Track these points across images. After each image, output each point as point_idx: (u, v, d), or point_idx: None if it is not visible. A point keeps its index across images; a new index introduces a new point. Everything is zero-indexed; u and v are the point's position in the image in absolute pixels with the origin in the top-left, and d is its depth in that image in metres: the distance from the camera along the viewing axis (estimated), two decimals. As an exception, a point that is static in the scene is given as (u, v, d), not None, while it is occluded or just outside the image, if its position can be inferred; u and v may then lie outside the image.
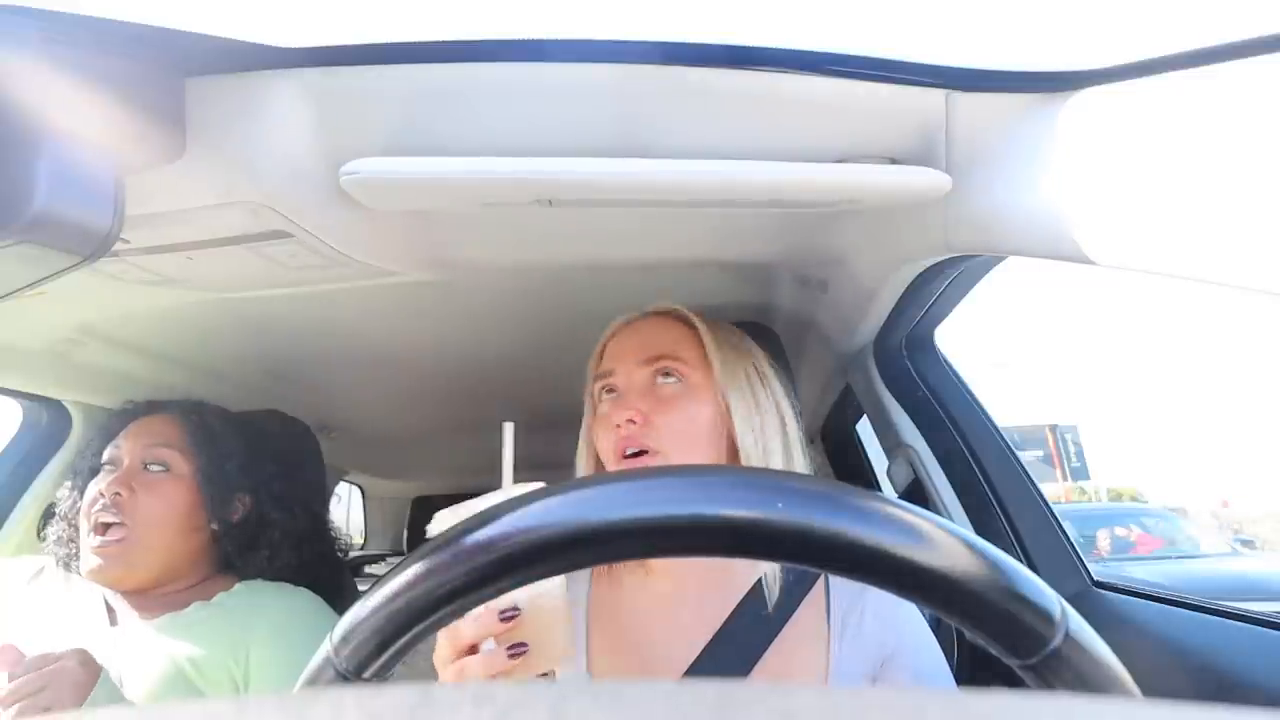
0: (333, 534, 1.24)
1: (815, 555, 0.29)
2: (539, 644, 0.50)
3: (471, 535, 0.31)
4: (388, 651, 0.32)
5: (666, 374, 0.74)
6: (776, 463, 0.73)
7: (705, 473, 0.32)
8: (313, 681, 0.33)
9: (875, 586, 0.30)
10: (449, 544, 0.31)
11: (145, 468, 0.95)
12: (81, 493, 0.95)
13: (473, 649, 0.51)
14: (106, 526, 0.90)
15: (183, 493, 0.95)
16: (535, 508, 0.31)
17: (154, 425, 0.99)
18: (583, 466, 0.78)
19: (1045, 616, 0.29)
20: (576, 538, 0.30)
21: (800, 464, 0.75)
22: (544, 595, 0.51)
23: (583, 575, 0.55)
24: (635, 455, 0.70)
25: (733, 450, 0.74)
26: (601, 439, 0.74)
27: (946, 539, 0.29)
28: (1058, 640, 0.29)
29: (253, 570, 1.01)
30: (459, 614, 0.32)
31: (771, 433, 0.74)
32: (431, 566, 0.31)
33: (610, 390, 0.77)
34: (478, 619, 0.50)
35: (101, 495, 0.91)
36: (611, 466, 0.72)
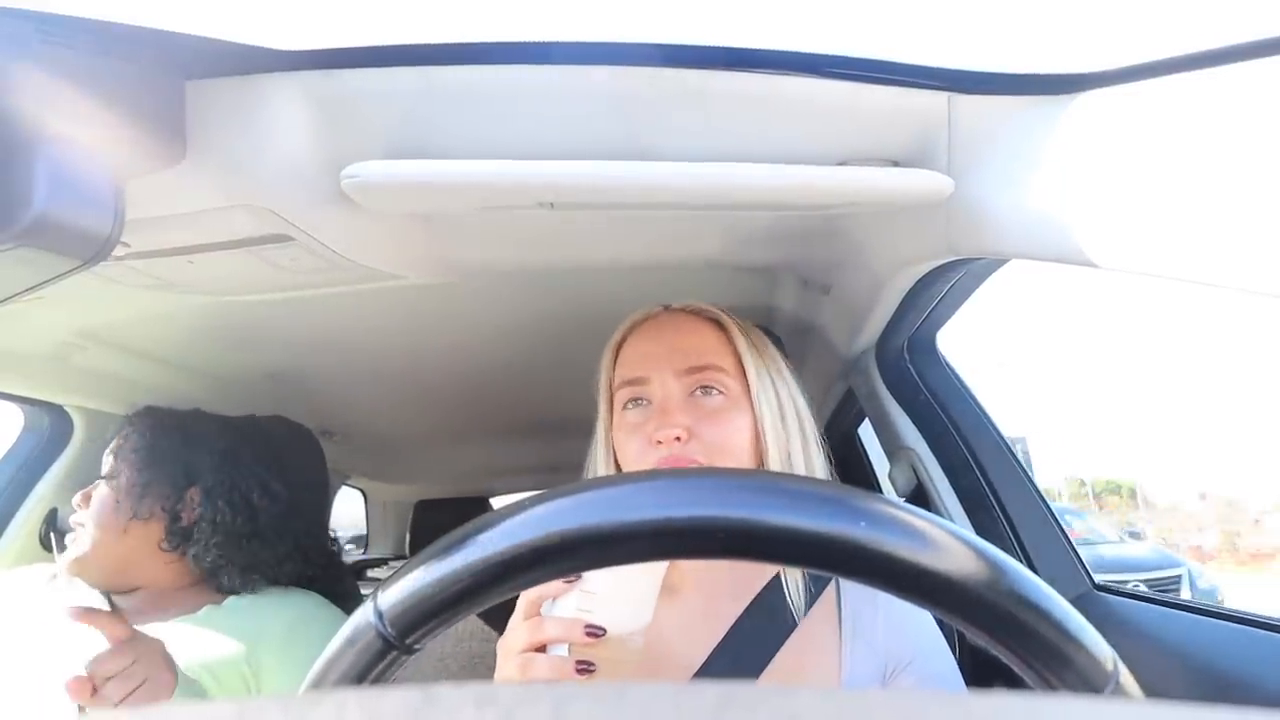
0: (332, 537, 1.24)
1: (891, 580, 0.30)
2: (604, 673, 0.51)
3: (552, 510, 0.30)
4: (435, 620, 0.32)
5: (708, 388, 0.70)
6: (798, 468, 0.71)
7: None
8: (351, 642, 0.33)
9: (936, 613, 0.31)
10: (521, 516, 0.31)
11: (103, 475, 1.02)
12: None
13: (541, 649, 0.51)
14: (75, 530, 1.00)
15: (113, 494, 1.00)
16: (616, 491, 0.30)
17: (119, 436, 1.05)
18: (600, 472, 0.74)
19: (1100, 667, 0.30)
20: (653, 529, 0.29)
21: (820, 469, 0.73)
22: (633, 636, 0.51)
23: None
24: None
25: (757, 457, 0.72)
26: (631, 451, 0.69)
27: (1020, 579, 0.30)
28: (1106, 693, 0.30)
29: (235, 571, 1.01)
30: (519, 590, 0.32)
31: (794, 438, 0.72)
32: (505, 542, 0.30)
33: (640, 400, 0.71)
34: (567, 623, 0.50)
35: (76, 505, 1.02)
36: None
